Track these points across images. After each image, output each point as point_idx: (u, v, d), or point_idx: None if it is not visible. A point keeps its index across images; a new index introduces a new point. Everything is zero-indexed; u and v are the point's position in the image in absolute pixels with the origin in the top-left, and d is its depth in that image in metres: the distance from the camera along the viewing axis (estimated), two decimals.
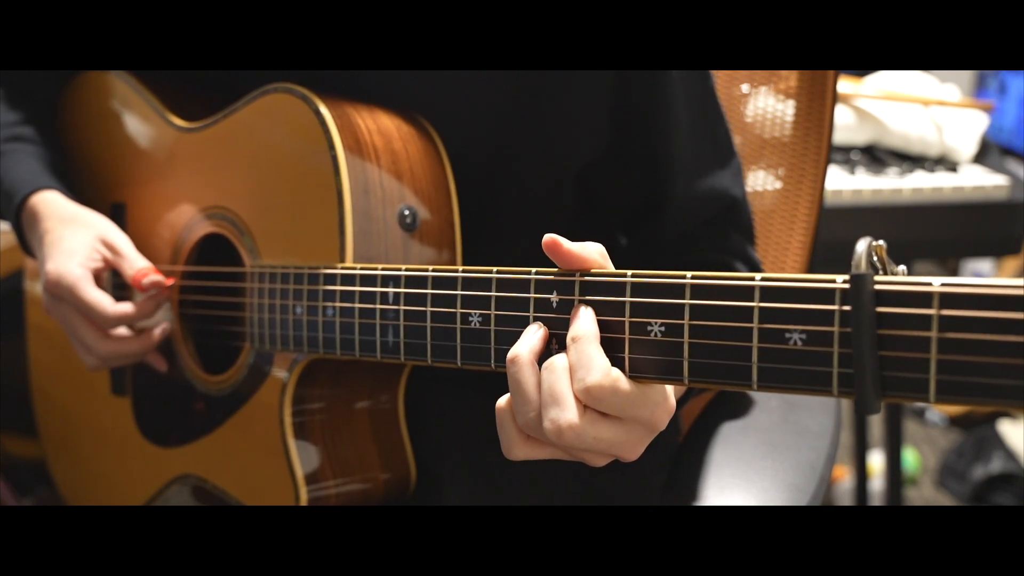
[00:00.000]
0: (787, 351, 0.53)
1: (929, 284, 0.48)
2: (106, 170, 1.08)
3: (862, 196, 1.50)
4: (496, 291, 0.67)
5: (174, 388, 0.99)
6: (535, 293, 0.65)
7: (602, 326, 0.61)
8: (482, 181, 0.89)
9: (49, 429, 1.22)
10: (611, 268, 0.63)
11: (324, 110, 0.82)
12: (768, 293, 0.54)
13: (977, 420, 2.75)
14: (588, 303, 0.62)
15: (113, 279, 0.99)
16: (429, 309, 0.71)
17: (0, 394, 1.28)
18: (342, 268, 0.79)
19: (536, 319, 0.65)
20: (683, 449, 0.97)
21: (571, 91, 0.86)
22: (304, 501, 0.84)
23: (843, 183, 1.51)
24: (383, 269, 0.75)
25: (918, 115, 1.63)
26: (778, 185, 1.21)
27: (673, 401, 0.63)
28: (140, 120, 1.04)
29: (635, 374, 0.60)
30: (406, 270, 0.73)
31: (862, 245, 0.50)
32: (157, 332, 0.94)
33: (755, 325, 0.54)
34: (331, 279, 0.79)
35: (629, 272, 0.60)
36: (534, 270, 0.65)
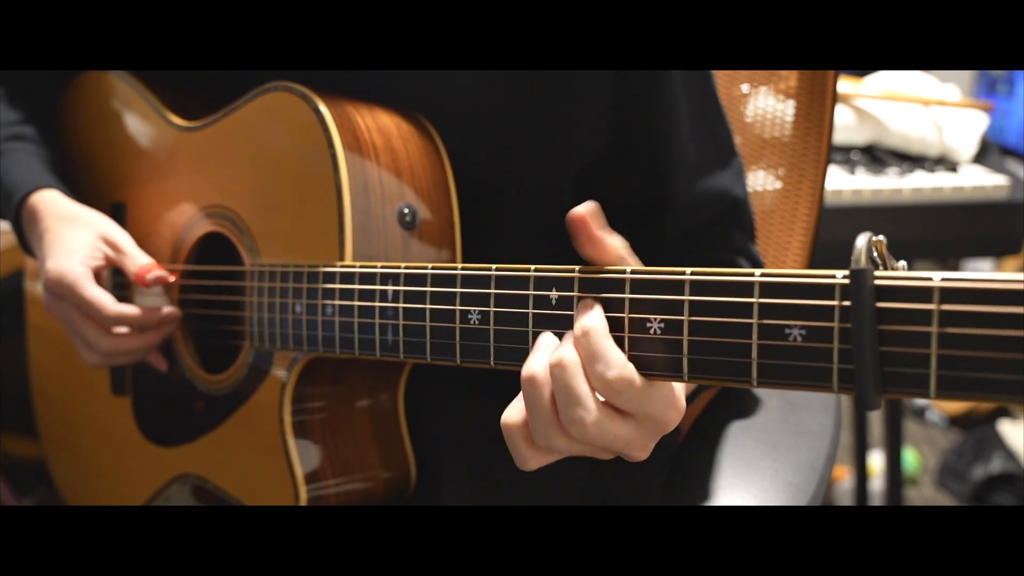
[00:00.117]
0: (787, 347, 0.53)
1: (929, 279, 0.48)
2: (106, 169, 1.08)
3: (862, 196, 1.50)
4: (495, 288, 0.67)
5: (174, 387, 0.99)
6: (534, 290, 0.65)
7: None
8: (482, 180, 0.89)
9: (49, 429, 1.22)
10: (633, 264, 0.63)
11: (323, 108, 0.82)
12: (768, 289, 0.54)
13: (977, 420, 2.75)
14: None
15: (114, 278, 0.99)
16: (428, 307, 0.71)
17: (0, 394, 1.28)
18: (341, 266, 0.78)
19: (536, 317, 0.65)
20: (683, 449, 0.97)
21: (571, 91, 0.86)
22: (304, 500, 0.84)
23: (843, 183, 1.51)
24: (382, 267, 0.75)
25: (918, 115, 1.63)
26: (778, 185, 1.21)
27: (683, 402, 0.62)
28: (140, 120, 1.04)
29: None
30: (405, 268, 0.73)
31: (862, 240, 0.50)
32: (161, 329, 0.94)
33: (755, 321, 0.54)
34: (330, 277, 0.79)
35: (628, 268, 0.60)
36: (533, 267, 0.65)
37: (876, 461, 2.32)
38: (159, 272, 0.92)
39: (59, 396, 1.18)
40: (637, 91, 0.86)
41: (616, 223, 0.98)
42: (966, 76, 2.42)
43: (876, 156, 1.63)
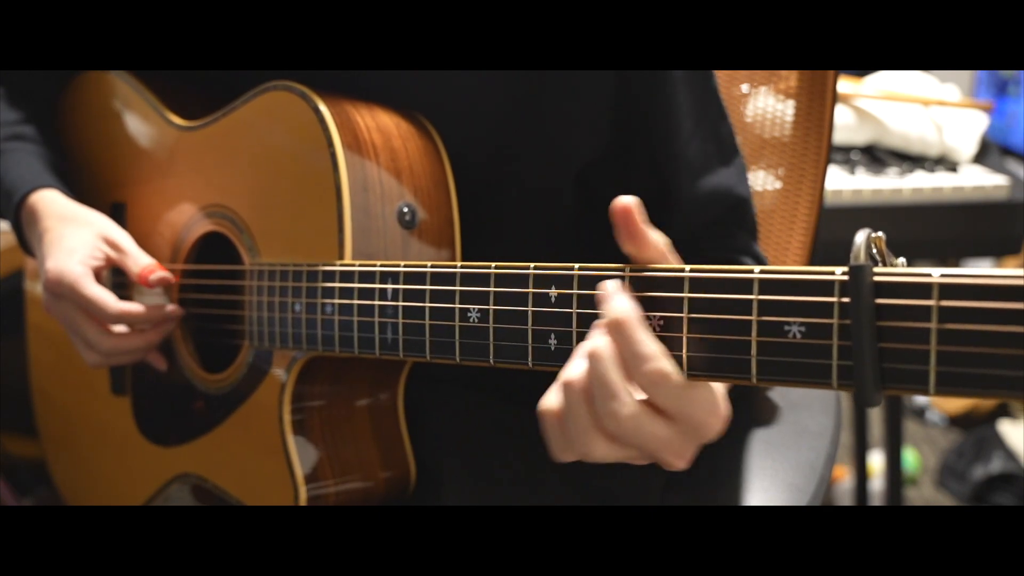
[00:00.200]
0: (786, 344, 0.53)
1: (928, 275, 0.48)
2: (106, 169, 1.08)
3: (862, 196, 1.50)
4: (495, 287, 0.67)
5: (174, 387, 0.99)
6: (533, 288, 0.65)
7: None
8: (482, 180, 0.89)
9: (49, 429, 1.22)
10: (674, 262, 0.61)
11: (323, 107, 0.82)
12: (767, 286, 0.54)
13: (977, 420, 2.75)
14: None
15: (113, 278, 0.99)
16: (428, 305, 0.71)
17: (0, 394, 1.28)
18: (341, 265, 0.78)
19: (535, 315, 0.65)
20: None
21: (571, 90, 0.86)
22: (303, 499, 0.84)
23: (843, 183, 1.51)
24: (381, 266, 0.75)
25: (918, 115, 1.63)
26: (778, 185, 1.21)
27: (726, 409, 0.60)
28: (140, 119, 1.04)
29: None
30: (404, 266, 0.73)
31: (861, 236, 0.50)
32: (161, 328, 0.94)
33: (754, 318, 0.54)
34: (330, 276, 0.79)
35: (627, 266, 0.60)
36: (532, 265, 0.65)
37: (876, 461, 2.31)
38: (162, 273, 0.92)
39: (59, 396, 1.18)
40: (638, 90, 0.86)
41: None
42: (966, 76, 2.42)
43: (876, 156, 1.63)
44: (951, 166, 1.60)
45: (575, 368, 0.59)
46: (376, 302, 0.75)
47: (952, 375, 0.47)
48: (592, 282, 0.62)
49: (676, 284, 0.58)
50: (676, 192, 0.89)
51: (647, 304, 0.59)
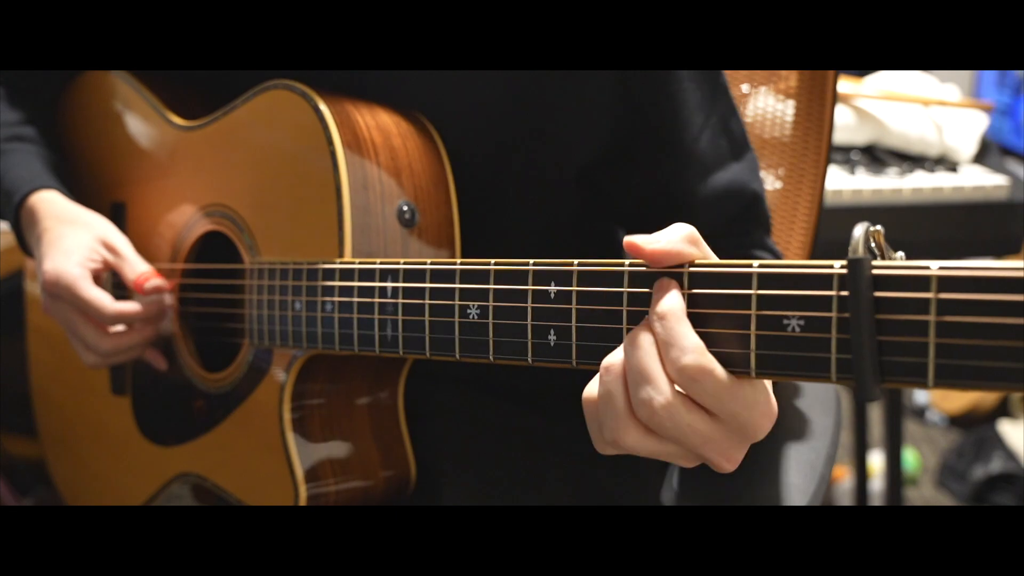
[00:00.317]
0: (785, 337, 0.53)
1: (927, 268, 0.47)
2: (106, 169, 1.08)
3: (862, 196, 1.50)
4: (494, 283, 0.67)
5: (174, 386, 0.99)
6: (533, 285, 0.65)
7: (599, 316, 0.61)
8: (482, 178, 0.89)
9: (49, 429, 1.22)
10: (706, 250, 0.59)
11: (323, 106, 0.82)
12: (766, 280, 0.54)
13: (977, 420, 2.75)
14: (672, 276, 0.58)
15: (112, 279, 0.99)
16: (427, 302, 0.71)
17: (0, 394, 1.28)
18: (340, 263, 0.79)
19: (535, 311, 0.65)
20: None
21: (572, 88, 0.86)
22: (303, 498, 0.84)
23: (843, 183, 1.51)
24: (381, 263, 0.75)
25: (918, 115, 1.63)
26: (778, 185, 1.21)
27: (775, 405, 0.58)
28: (140, 119, 1.04)
29: None
30: (404, 264, 0.73)
31: (859, 230, 0.50)
32: (157, 322, 0.94)
33: (753, 312, 0.54)
34: (330, 274, 0.79)
35: (627, 262, 0.60)
36: (532, 261, 0.65)
37: (876, 461, 2.31)
38: (158, 281, 0.92)
39: (59, 396, 1.18)
40: (640, 88, 0.85)
41: (626, 220, 0.99)
42: (966, 76, 2.42)
43: (876, 156, 1.63)
44: (951, 166, 1.60)
45: (615, 355, 0.59)
46: (376, 300, 0.75)
47: (951, 367, 0.47)
48: (591, 278, 0.62)
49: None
50: (688, 189, 0.89)
51: (646, 300, 0.59)
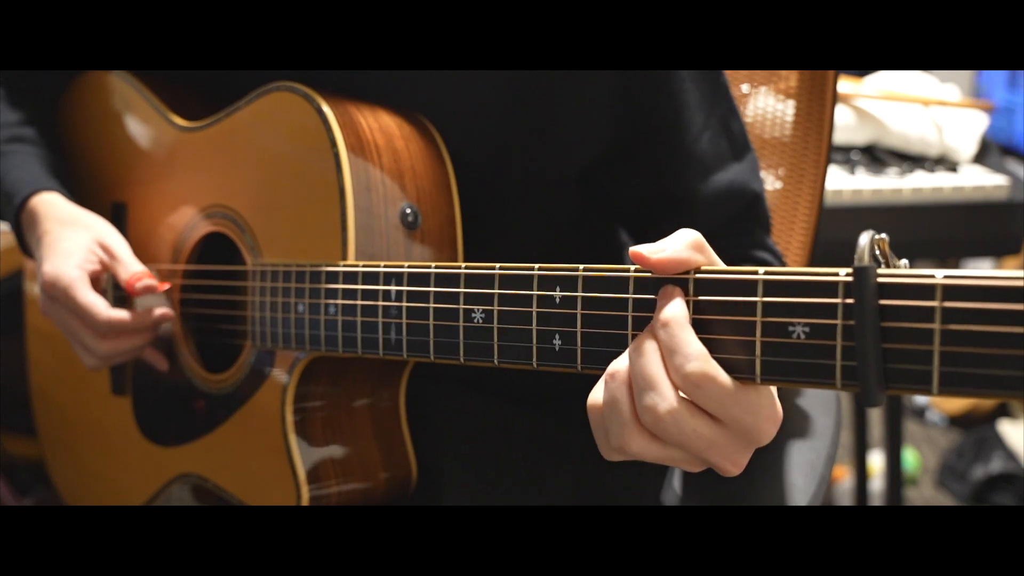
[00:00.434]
0: (790, 344, 0.53)
1: (932, 276, 0.48)
2: (107, 170, 1.08)
3: (862, 196, 1.50)
4: (499, 287, 0.67)
5: (175, 387, 0.99)
6: (538, 289, 0.65)
7: (604, 321, 0.61)
8: (484, 180, 0.89)
9: (48, 429, 1.22)
10: (712, 256, 0.60)
11: (326, 108, 0.82)
12: (771, 287, 0.54)
13: (977, 420, 2.76)
14: (677, 283, 0.58)
15: (113, 280, 0.99)
16: (432, 306, 0.71)
17: (0, 394, 1.28)
18: (344, 266, 0.78)
19: (540, 316, 0.65)
20: None
21: (573, 89, 0.86)
22: (305, 499, 0.84)
23: (843, 183, 1.51)
24: (385, 266, 0.75)
25: (918, 115, 1.63)
26: (778, 185, 1.21)
27: (780, 409, 0.58)
28: (141, 120, 1.04)
29: None
30: (409, 267, 0.73)
31: (865, 238, 0.50)
32: (156, 325, 0.94)
33: (758, 319, 0.54)
34: (333, 277, 0.79)
35: (632, 267, 0.60)
36: (537, 266, 0.65)
37: (876, 461, 2.32)
38: (149, 281, 0.92)
39: (59, 396, 1.18)
40: (641, 88, 0.85)
41: (630, 222, 0.99)
42: (966, 76, 2.42)
43: (876, 156, 1.63)
44: (951, 166, 1.60)
45: (620, 362, 0.59)
46: (380, 303, 0.75)
47: (955, 375, 0.47)
48: (596, 284, 0.62)
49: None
50: (688, 189, 0.89)
51: (651, 306, 0.59)
